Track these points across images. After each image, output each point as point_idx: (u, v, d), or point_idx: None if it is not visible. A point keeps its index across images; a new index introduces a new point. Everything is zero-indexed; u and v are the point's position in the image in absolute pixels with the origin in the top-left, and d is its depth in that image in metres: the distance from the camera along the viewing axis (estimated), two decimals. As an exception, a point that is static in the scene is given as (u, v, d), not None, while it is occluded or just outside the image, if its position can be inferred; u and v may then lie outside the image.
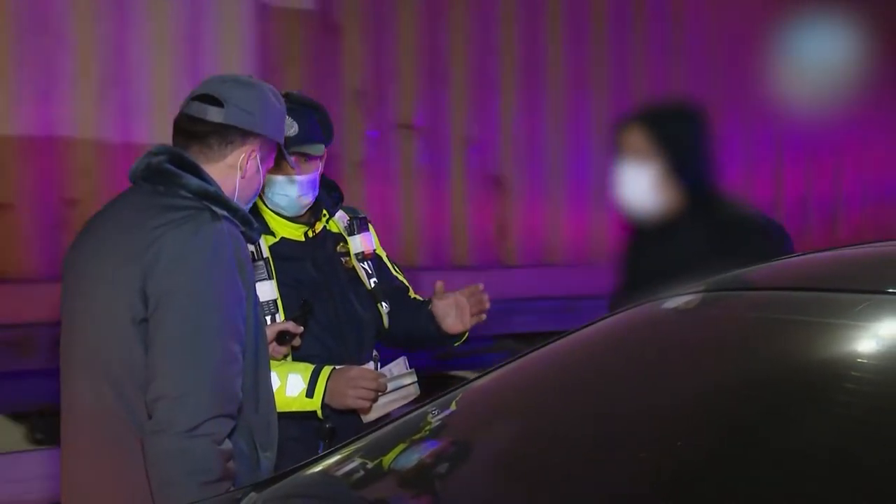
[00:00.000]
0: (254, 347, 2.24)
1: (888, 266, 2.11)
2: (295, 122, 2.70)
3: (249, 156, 2.30)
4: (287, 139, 2.62)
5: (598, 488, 1.68)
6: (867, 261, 2.23)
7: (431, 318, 2.89)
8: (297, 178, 2.73)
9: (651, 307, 2.23)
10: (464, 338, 2.95)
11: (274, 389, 2.59)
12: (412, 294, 3.00)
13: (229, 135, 2.28)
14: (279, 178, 2.73)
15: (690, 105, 3.02)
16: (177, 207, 2.19)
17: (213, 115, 2.26)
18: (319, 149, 2.78)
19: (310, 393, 2.66)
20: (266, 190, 2.74)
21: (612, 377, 2.07)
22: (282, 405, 2.61)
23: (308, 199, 2.78)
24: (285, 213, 2.78)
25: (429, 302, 2.93)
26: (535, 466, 1.81)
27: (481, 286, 2.90)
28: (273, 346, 2.56)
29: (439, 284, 2.91)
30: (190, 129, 2.28)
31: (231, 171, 2.30)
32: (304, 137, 2.73)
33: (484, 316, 2.90)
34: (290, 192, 2.75)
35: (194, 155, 2.27)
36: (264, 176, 2.40)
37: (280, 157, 2.58)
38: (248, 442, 2.23)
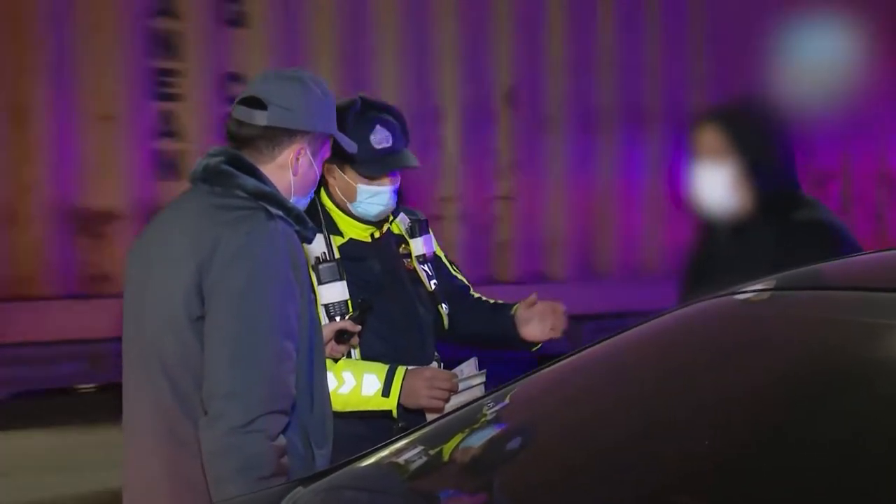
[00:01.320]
0: (308, 346, 2.25)
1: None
2: (389, 133, 2.73)
3: (299, 154, 2.32)
4: (383, 151, 2.69)
5: (655, 480, 1.66)
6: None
7: (512, 321, 2.90)
8: (392, 187, 2.77)
9: (719, 303, 2.19)
10: (537, 346, 2.95)
11: (349, 389, 2.64)
12: (474, 293, 3.01)
13: (276, 136, 2.29)
14: (375, 187, 2.75)
15: (768, 105, 2.96)
16: (233, 207, 2.22)
17: (258, 118, 2.27)
18: (414, 159, 2.80)
19: (386, 392, 2.67)
20: (357, 198, 2.76)
21: (676, 370, 2.04)
22: (357, 404, 2.65)
23: (394, 204, 2.81)
24: (373, 220, 2.80)
25: (511, 305, 2.93)
26: (592, 459, 1.79)
27: (563, 307, 2.89)
28: (331, 346, 2.57)
29: (534, 295, 2.93)
30: (238, 134, 2.31)
31: (283, 170, 2.31)
32: (400, 150, 2.76)
33: (560, 334, 2.88)
34: (386, 200, 2.77)
35: (248, 159, 2.30)
36: (321, 168, 2.41)
37: (378, 174, 2.70)
38: (303, 440, 2.25)
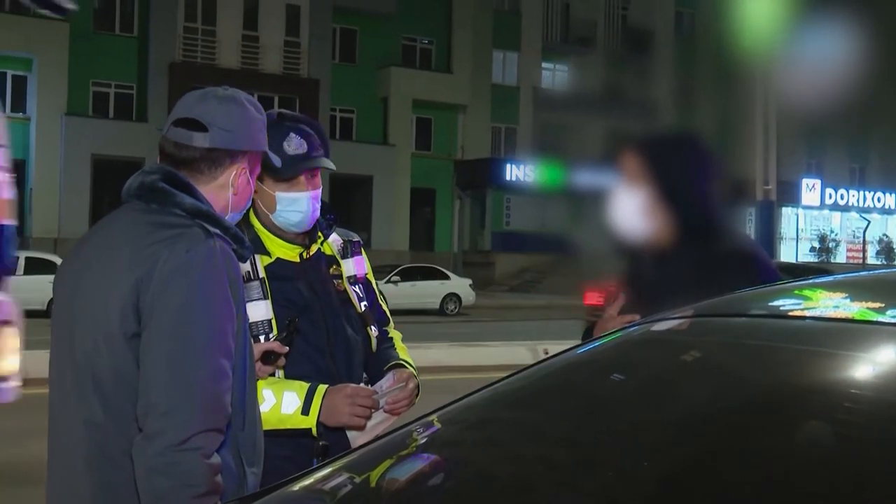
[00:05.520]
0: (242, 364, 2.26)
1: (873, 294, 2.13)
2: (304, 141, 2.76)
3: (240, 173, 2.34)
4: (299, 156, 2.70)
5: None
6: (854, 289, 2.25)
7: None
8: (310, 193, 2.78)
9: (636, 331, 2.26)
10: None
11: (269, 407, 2.62)
12: (391, 331, 3.03)
13: (217, 158, 2.30)
14: (293, 194, 2.77)
15: (689, 135, 3.07)
16: (170, 225, 2.22)
17: (199, 140, 2.28)
18: (330, 162, 2.82)
19: (305, 410, 2.67)
20: (276, 207, 2.77)
21: (597, 399, 2.09)
22: (277, 422, 2.63)
23: (317, 215, 2.82)
24: (295, 230, 2.81)
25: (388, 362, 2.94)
26: (513, 487, 1.81)
27: (407, 385, 2.85)
28: (258, 366, 2.56)
29: (399, 373, 2.89)
30: (177, 156, 2.30)
31: (223, 189, 2.33)
32: (313, 154, 2.78)
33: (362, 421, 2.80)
34: (304, 207, 2.78)
35: (185, 177, 2.29)
36: (254, 184, 2.42)
37: (291, 176, 2.69)
38: (235, 457, 2.24)
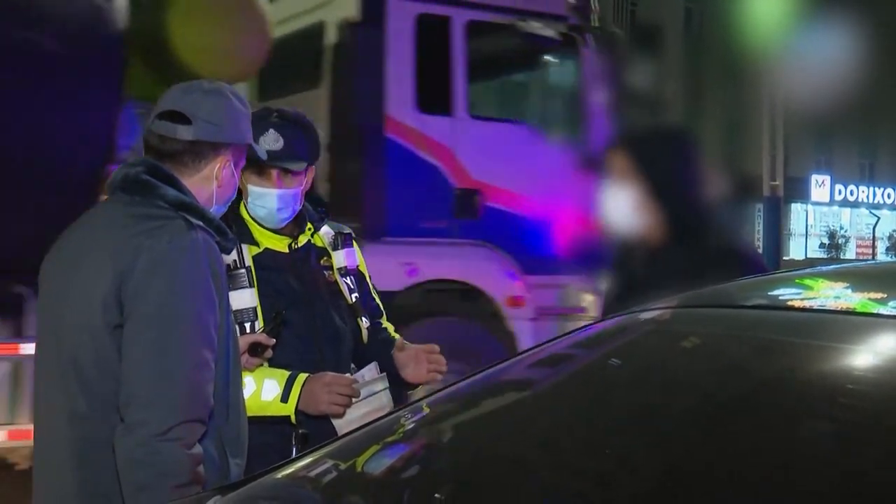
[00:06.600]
0: (226, 355, 2.27)
1: (860, 284, 2.13)
2: (281, 137, 2.76)
3: (224, 165, 2.35)
4: (271, 153, 2.69)
5: (567, 493, 1.69)
6: (841, 280, 2.25)
7: (392, 361, 2.93)
8: (278, 191, 2.78)
9: (622, 321, 2.26)
10: (417, 387, 2.99)
11: (249, 394, 2.62)
12: (384, 322, 3.04)
13: (201, 150, 2.32)
14: (260, 189, 2.78)
15: (676, 131, 3.06)
16: (153, 217, 2.23)
17: (183, 132, 2.29)
18: (300, 165, 2.81)
19: (284, 398, 2.69)
20: (247, 198, 2.79)
21: (581, 386, 2.10)
22: (256, 409, 2.63)
23: (287, 214, 2.82)
24: (265, 224, 2.83)
25: (392, 343, 2.97)
26: (499, 473, 1.82)
27: (437, 347, 2.92)
28: (245, 358, 2.57)
29: (400, 341, 2.96)
30: (161, 148, 2.32)
31: (206, 182, 2.34)
32: (287, 153, 2.77)
33: (440, 376, 2.91)
34: (270, 203, 2.79)
35: (169, 170, 2.30)
36: (239, 177, 2.44)
37: (263, 169, 2.64)
38: (218, 448, 2.25)
